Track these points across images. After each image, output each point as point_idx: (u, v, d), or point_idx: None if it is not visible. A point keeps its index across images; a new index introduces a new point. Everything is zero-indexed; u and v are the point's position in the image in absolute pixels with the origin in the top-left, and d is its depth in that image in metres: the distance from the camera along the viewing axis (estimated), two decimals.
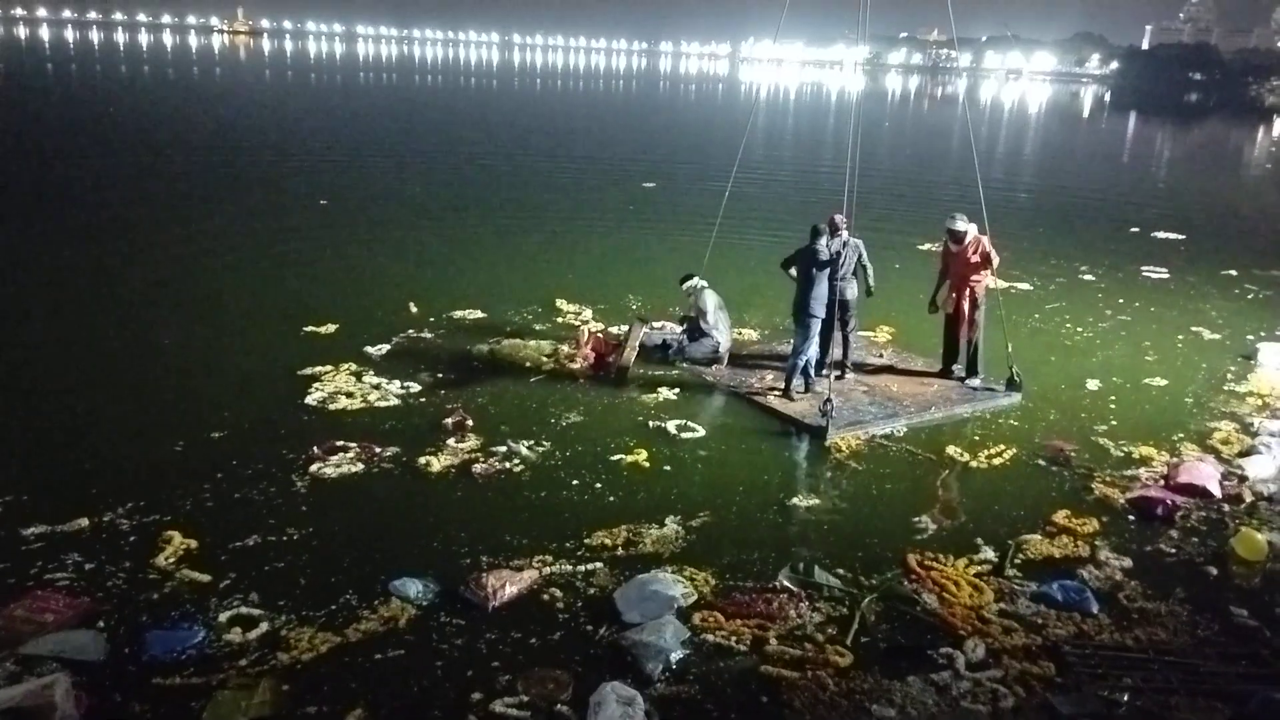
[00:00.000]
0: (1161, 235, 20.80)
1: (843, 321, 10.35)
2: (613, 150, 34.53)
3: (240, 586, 6.14)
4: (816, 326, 9.56)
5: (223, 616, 5.82)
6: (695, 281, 10.96)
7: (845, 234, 10.08)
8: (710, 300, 10.78)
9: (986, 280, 10.40)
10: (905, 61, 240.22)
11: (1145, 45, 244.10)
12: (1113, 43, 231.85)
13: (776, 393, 9.80)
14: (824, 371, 9.76)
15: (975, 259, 10.13)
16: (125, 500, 7.08)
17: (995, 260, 10.20)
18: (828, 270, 9.47)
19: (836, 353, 10.40)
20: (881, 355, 11.13)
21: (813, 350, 9.69)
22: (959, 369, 10.50)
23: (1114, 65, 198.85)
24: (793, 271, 9.79)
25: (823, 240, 9.49)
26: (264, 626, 5.74)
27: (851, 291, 10.28)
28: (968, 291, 10.23)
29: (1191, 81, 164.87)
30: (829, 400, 9.01)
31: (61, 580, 6.13)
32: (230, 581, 6.18)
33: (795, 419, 9.30)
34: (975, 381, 10.32)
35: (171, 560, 6.38)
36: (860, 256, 10.24)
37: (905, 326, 12.18)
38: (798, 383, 9.78)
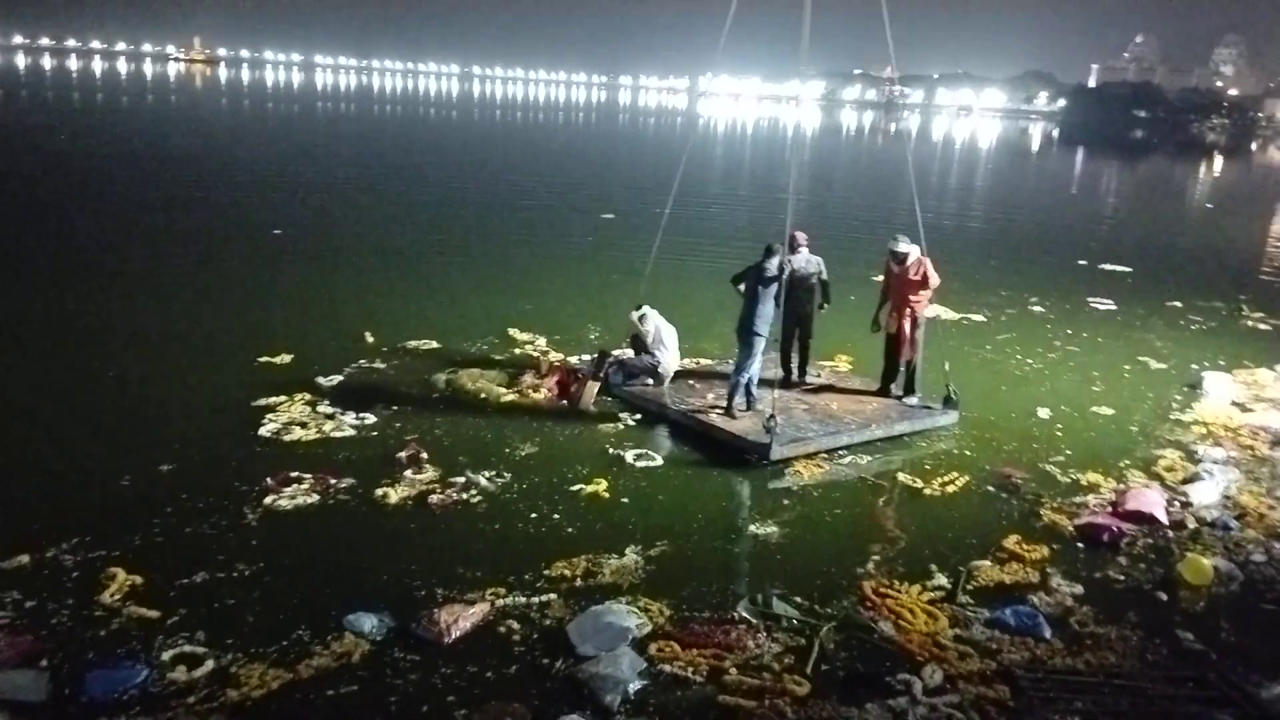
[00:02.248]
0: (1108, 267, 21.31)
1: (803, 333, 10.64)
2: (571, 182, 34.68)
3: (188, 623, 6.01)
4: (760, 345, 9.67)
5: (166, 655, 5.67)
6: (640, 310, 10.91)
7: (805, 250, 10.40)
8: (652, 324, 10.78)
9: (926, 301, 10.57)
10: (860, 97, 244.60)
11: (1092, 83, 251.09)
12: (1061, 80, 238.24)
13: (719, 411, 9.85)
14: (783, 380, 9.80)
15: (916, 279, 10.31)
16: (69, 536, 6.91)
17: (935, 281, 10.38)
18: (774, 288, 9.58)
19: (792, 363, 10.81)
20: (820, 375, 11.22)
21: (755, 368, 9.76)
22: (896, 388, 10.64)
23: (1061, 102, 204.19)
24: (742, 287, 9.89)
25: (774, 260, 9.59)
26: (210, 664, 5.61)
27: (809, 305, 10.62)
28: (908, 311, 10.39)
29: (1136, 119, 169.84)
30: (772, 416, 9.07)
31: (1, 619, 5.95)
32: (179, 619, 6.05)
33: (738, 436, 9.34)
34: (912, 400, 10.47)
35: (117, 597, 6.23)
36: (820, 273, 10.59)
37: (863, 356, 12.29)
38: (740, 400, 9.82)
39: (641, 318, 10.80)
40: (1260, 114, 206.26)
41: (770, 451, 8.97)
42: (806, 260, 10.53)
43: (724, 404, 9.88)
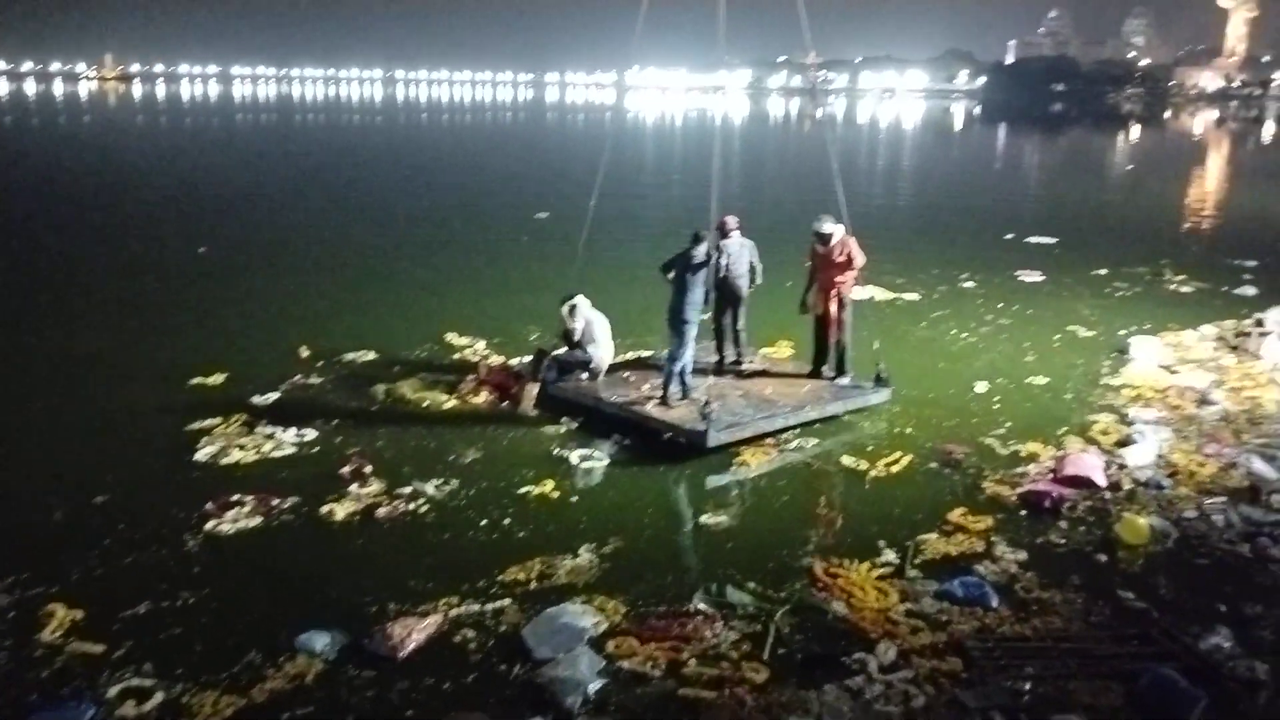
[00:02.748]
0: (1035, 240, 21.79)
1: (734, 315, 10.76)
2: (502, 183, 34.42)
3: (134, 656, 5.86)
4: (691, 332, 9.69)
5: (113, 690, 5.53)
6: (570, 301, 10.73)
7: (736, 235, 10.46)
8: (583, 317, 10.65)
9: (852, 281, 10.71)
10: (785, 84, 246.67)
11: (1010, 59, 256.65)
12: (980, 58, 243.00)
13: (654, 401, 9.86)
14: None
15: (841, 259, 10.43)
16: (3, 575, 6.68)
17: (860, 260, 10.49)
18: (702, 275, 9.63)
19: (730, 354, 10.90)
20: (753, 361, 11.30)
21: (688, 356, 9.80)
22: (828, 370, 10.77)
23: (982, 80, 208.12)
24: (671, 275, 9.90)
25: (701, 247, 9.63)
26: (159, 696, 5.48)
27: (744, 289, 10.70)
28: (834, 292, 10.52)
29: (1055, 92, 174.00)
30: (708, 403, 9.12)
31: None
32: (124, 652, 5.90)
33: (675, 425, 9.37)
34: (845, 380, 10.59)
35: (57, 634, 6.05)
36: (752, 257, 10.71)
37: (804, 341, 12.36)
38: (675, 389, 9.83)
39: (572, 309, 10.61)
40: (1172, 82, 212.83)
41: (707, 438, 9.01)
42: (740, 245, 10.61)
43: (659, 394, 9.90)
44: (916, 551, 7.31)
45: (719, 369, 10.57)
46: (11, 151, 44.75)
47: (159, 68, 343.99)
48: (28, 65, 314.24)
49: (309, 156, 44.81)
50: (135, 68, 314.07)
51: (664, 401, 9.77)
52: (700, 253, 9.61)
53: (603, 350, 10.64)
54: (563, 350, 10.70)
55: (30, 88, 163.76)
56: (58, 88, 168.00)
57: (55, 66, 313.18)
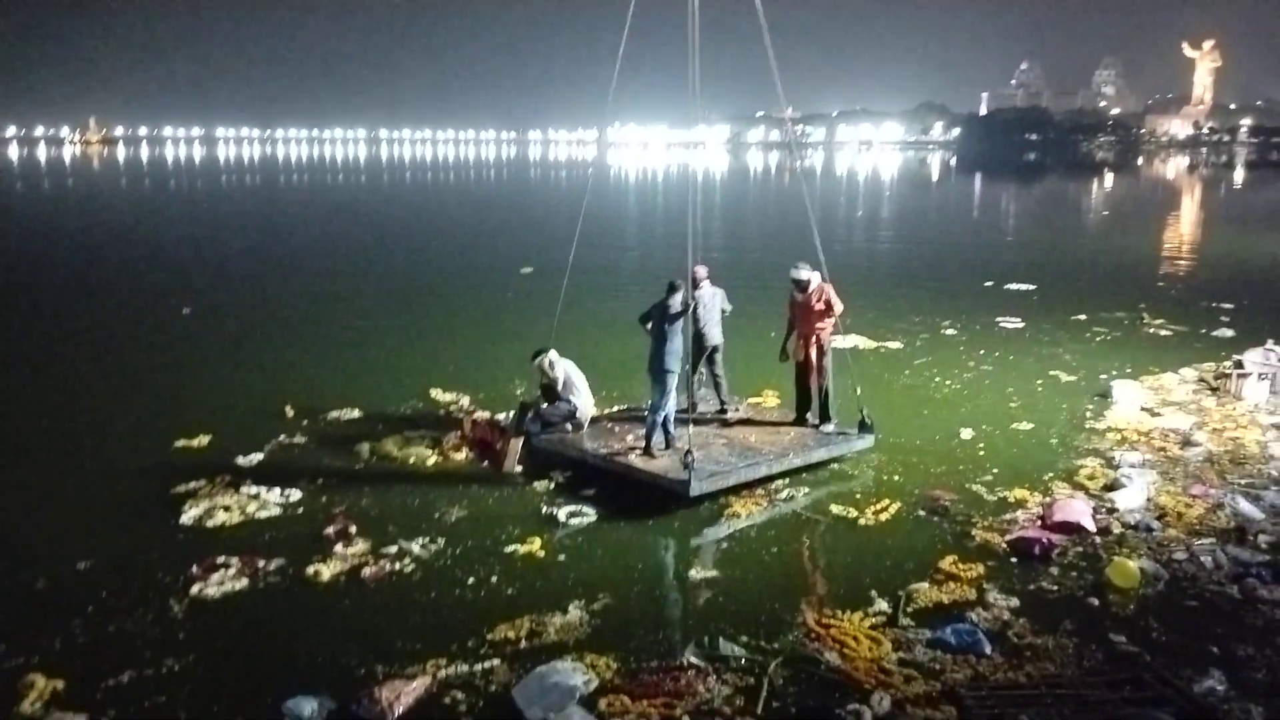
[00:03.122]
0: (1014, 287, 22.04)
1: (710, 361, 10.87)
2: (487, 239, 34.64)
3: None
4: (673, 381, 9.70)
5: None
6: (545, 355, 10.78)
7: (707, 284, 10.60)
8: (562, 369, 10.68)
9: (831, 327, 10.78)
10: (764, 139, 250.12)
11: (983, 111, 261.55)
12: (954, 110, 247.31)
13: (638, 451, 9.84)
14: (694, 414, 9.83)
15: (819, 307, 10.52)
16: None
17: (839, 307, 10.58)
18: (680, 324, 9.68)
19: (713, 403, 11.02)
20: (737, 409, 11.32)
21: (670, 406, 9.80)
22: (812, 417, 10.79)
23: (956, 131, 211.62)
24: (649, 326, 9.95)
25: (677, 296, 9.69)
26: None
27: (719, 336, 10.83)
28: (814, 339, 10.58)
29: (1028, 142, 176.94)
30: (689, 452, 9.09)
31: None
32: None
33: (659, 475, 9.34)
34: (829, 427, 10.61)
35: (38, 704, 5.93)
36: (723, 305, 10.93)
37: (789, 390, 12.42)
38: (658, 439, 9.81)
39: (551, 364, 10.66)
40: (1143, 130, 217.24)
41: (690, 487, 8.97)
42: (712, 294, 10.75)
43: (643, 445, 9.88)
44: (909, 600, 7.29)
45: (689, 413, 10.54)
46: None
47: (143, 130, 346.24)
48: (11, 130, 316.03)
49: (293, 216, 45.00)
50: (119, 131, 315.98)
51: (647, 452, 9.76)
52: (676, 302, 9.68)
53: (584, 400, 10.65)
54: (545, 404, 10.69)
55: (14, 152, 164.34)
56: (41, 152, 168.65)
57: (39, 131, 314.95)
